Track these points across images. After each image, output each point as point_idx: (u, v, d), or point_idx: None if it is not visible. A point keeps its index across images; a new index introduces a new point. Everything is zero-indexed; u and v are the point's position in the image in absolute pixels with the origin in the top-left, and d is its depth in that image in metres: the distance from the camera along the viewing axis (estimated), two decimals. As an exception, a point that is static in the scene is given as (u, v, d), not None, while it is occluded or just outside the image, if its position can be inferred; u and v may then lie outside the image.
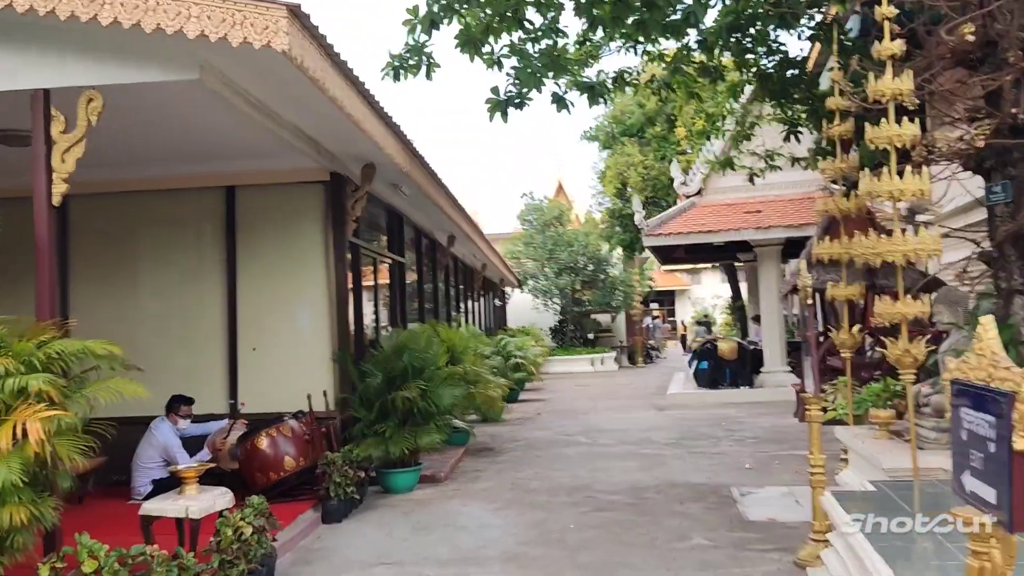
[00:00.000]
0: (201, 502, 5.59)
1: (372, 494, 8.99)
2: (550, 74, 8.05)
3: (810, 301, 6.35)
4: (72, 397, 5.03)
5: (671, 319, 47.88)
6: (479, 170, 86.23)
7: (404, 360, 9.08)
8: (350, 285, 9.85)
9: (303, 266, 9.28)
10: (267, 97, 6.92)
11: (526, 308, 31.37)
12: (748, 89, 10.87)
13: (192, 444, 8.48)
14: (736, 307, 28.07)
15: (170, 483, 8.16)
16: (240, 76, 6.33)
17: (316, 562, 6.50)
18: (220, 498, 5.85)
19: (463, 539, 7.05)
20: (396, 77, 7.93)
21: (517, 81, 7.99)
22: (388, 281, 12.37)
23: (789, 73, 9.98)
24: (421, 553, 6.67)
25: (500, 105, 8.01)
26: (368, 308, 11.18)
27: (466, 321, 20.69)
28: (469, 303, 22.12)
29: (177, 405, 8.47)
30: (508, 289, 32.50)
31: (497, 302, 29.74)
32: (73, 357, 5.11)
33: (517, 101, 8.06)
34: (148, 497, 8.10)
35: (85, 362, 5.48)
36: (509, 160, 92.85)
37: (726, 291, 36.48)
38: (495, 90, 8.00)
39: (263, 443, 7.90)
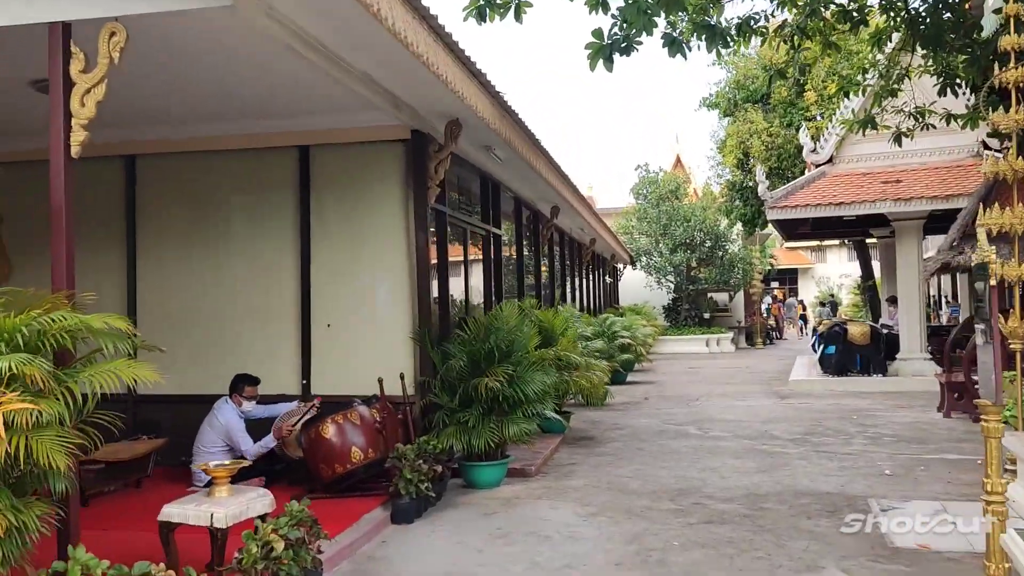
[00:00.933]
0: (230, 507, 4.74)
1: (454, 488, 8.08)
2: (662, 12, 6.86)
3: (994, 281, 4.98)
4: (67, 383, 4.23)
5: (793, 299, 45.38)
6: (591, 145, 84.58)
7: (490, 342, 8.08)
8: (434, 257, 8.92)
9: (381, 235, 8.40)
10: (330, 40, 5.99)
11: (638, 286, 29.99)
12: (895, 37, 9.36)
13: (260, 428, 7.77)
14: (866, 287, 25.94)
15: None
16: (293, 12, 5.42)
17: None
18: (256, 502, 5.00)
19: (545, 554, 6.02)
20: (481, 18, 6.90)
21: (624, 23, 6.82)
22: (480, 254, 11.40)
23: (945, 16, 8.48)
24: (493, 570, 5.67)
25: (603, 51, 6.87)
26: (456, 283, 10.24)
27: (572, 299, 19.60)
28: (575, 280, 20.99)
29: (241, 385, 7.75)
30: (620, 266, 31.18)
31: (607, 279, 28.49)
32: (67, 334, 4.30)
33: (623, 45, 6.91)
34: (210, 485, 7.45)
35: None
36: (623, 133, 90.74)
37: (855, 270, 34.04)
38: (598, 33, 6.86)
39: (328, 431, 7.07)
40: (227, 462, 5.34)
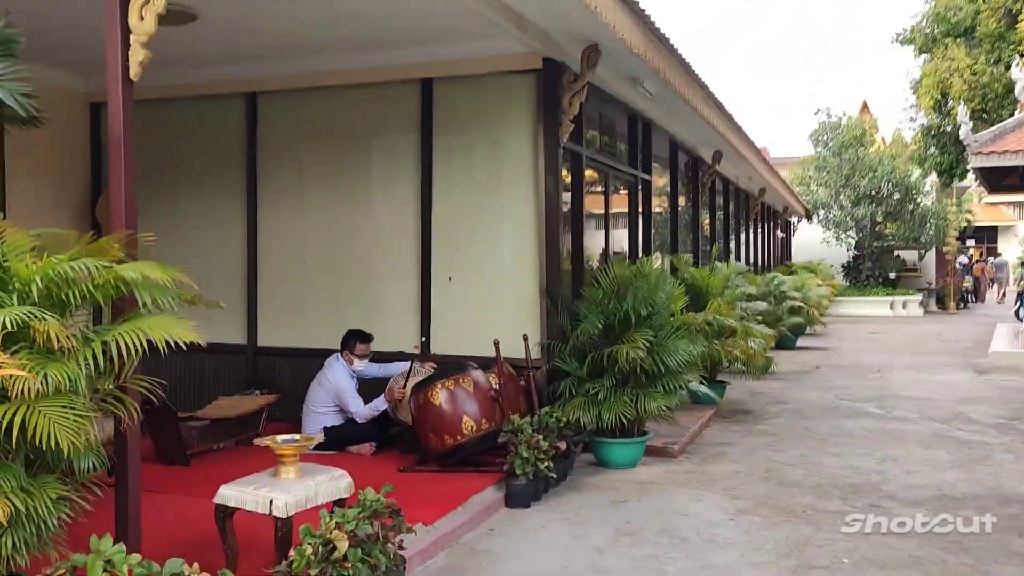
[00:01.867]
0: (294, 492, 4.00)
1: (583, 466, 7.15)
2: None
3: None
4: (92, 343, 3.57)
5: (1004, 258, 40.91)
6: (763, 87, 79.98)
7: (627, 303, 7.02)
8: (568, 204, 7.90)
9: (507, 178, 7.46)
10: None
11: (814, 242, 27.66)
12: None
13: (375, 389, 7.11)
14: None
15: (346, 431, 6.90)
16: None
17: None
18: (328, 485, 4.24)
19: (678, 562, 4.98)
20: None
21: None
22: (626, 202, 10.26)
23: None
24: (612, 580, 4.71)
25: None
26: (594, 235, 9.19)
27: (736, 256, 18.06)
28: (741, 235, 19.35)
29: (352, 342, 7.09)
30: (793, 220, 28.95)
31: (778, 234, 26.44)
32: (96, 286, 3.64)
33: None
34: (320, 447, 6.86)
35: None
36: (802, 78, 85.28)
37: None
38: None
39: (438, 398, 6.27)
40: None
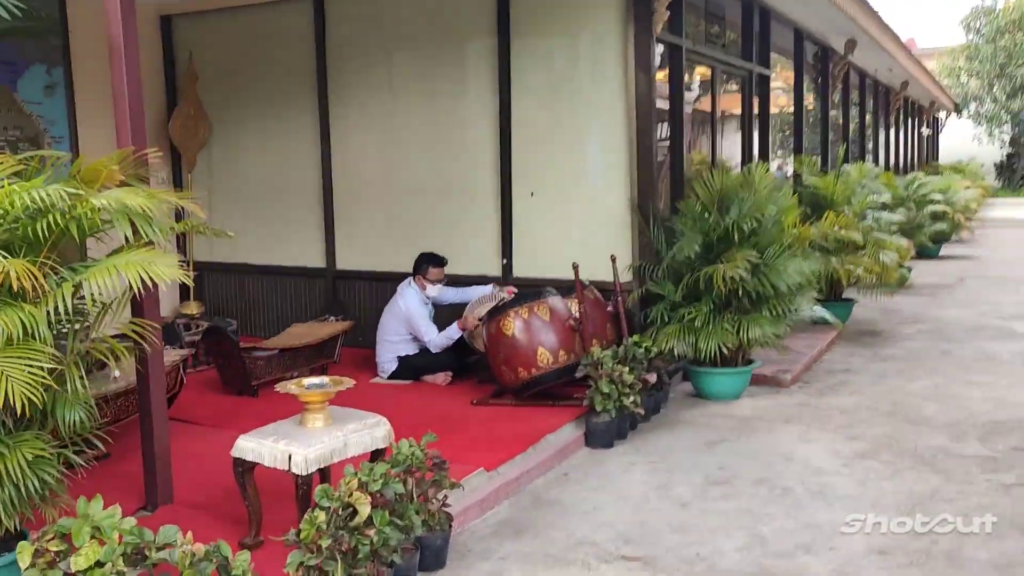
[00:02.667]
0: (316, 445, 3.52)
1: (680, 398, 6.49)
2: None
3: None
4: (63, 284, 3.14)
5: None
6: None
7: (730, 217, 6.18)
8: (666, 106, 7.02)
9: (593, 79, 6.63)
10: None
11: (963, 139, 25.25)
12: None
13: (454, 314, 6.60)
14: None
15: (420, 360, 6.46)
16: None
17: (518, 537, 4.17)
18: (361, 435, 3.75)
19: (775, 521, 4.28)
20: None
21: None
22: (739, 102, 9.19)
23: None
24: (690, 543, 4.05)
25: None
26: (700, 140, 8.26)
27: (874, 158, 16.47)
28: (878, 133, 17.63)
29: (424, 266, 6.57)
30: (941, 115, 26.45)
31: (924, 131, 24.20)
32: (70, 217, 3.18)
33: None
34: (394, 376, 6.47)
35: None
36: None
37: None
38: None
39: (510, 327, 5.69)
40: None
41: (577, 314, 5.76)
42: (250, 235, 8.24)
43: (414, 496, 3.53)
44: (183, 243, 8.41)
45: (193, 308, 8.27)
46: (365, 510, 3.23)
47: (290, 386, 3.68)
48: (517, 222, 7.01)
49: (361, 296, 7.70)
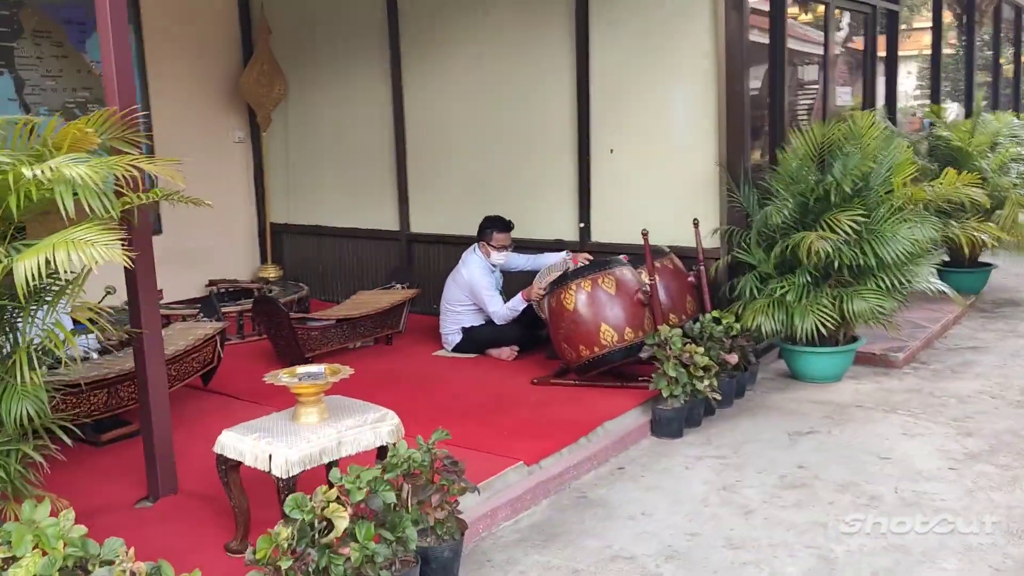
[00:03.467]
0: (302, 445, 3.12)
1: (773, 377, 5.83)
2: None
3: None
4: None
5: None
6: None
7: (832, 177, 5.39)
8: (765, 48, 6.21)
9: (678, 19, 5.91)
10: None
11: None
12: None
13: (526, 283, 6.11)
14: None
15: (486, 333, 6.04)
16: None
17: (546, 546, 3.65)
18: (359, 432, 3.32)
19: (852, 540, 3.61)
20: None
21: None
22: (861, 46, 8.16)
23: None
24: (746, 564, 3.46)
25: None
26: (805, 89, 7.35)
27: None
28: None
29: (489, 231, 6.10)
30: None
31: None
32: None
33: None
34: (458, 349, 6.07)
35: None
36: None
37: None
38: None
39: (571, 300, 5.15)
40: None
41: (648, 285, 5.15)
42: (326, 196, 7.98)
43: (409, 505, 3.10)
44: (261, 205, 8.24)
45: (271, 272, 8.12)
46: (342, 523, 2.82)
47: (281, 376, 3.30)
48: (595, 182, 6.42)
49: (435, 261, 7.31)
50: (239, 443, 3.19)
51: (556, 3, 6.38)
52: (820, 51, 7.13)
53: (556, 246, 6.49)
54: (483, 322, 6.10)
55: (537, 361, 5.90)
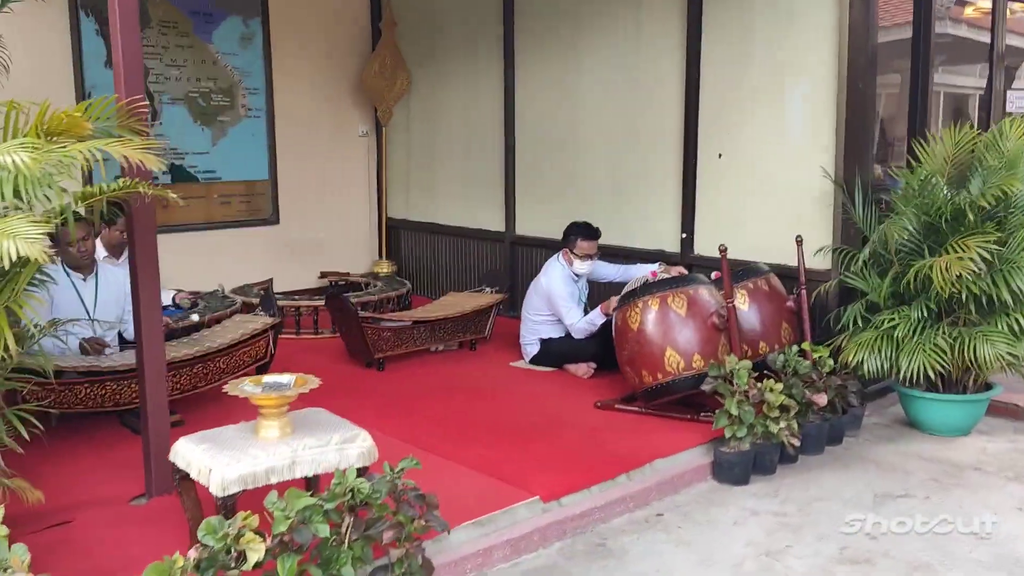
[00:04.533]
0: (246, 462, 2.88)
1: (887, 424, 5.07)
2: None
3: None
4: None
5: None
6: None
7: (968, 195, 4.56)
8: (907, 42, 5.40)
9: (797, 11, 5.23)
10: None
11: None
12: None
13: (609, 296, 5.65)
14: None
15: (565, 346, 5.65)
16: None
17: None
18: (318, 452, 3.03)
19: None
20: None
21: None
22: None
23: None
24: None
25: None
26: (962, 89, 6.35)
27: None
28: None
29: (573, 238, 5.68)
30: None
31: None
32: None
33: None
34: (536, 361, 5.72)
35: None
36: None
37: None
38: None
39: (638, 318, 4.65)
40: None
41: (723, 309, 4.56)
42: (440, 194, 7.82)
43: (347, 540, 2.79)
44: (380, 199, 8.20)
45: (384, 267, 8.06)
46: (255, 555, 2.56)
47: (244, 385, 3.08)
48: (701, 189, 5.84)
49: (537, 265, 6.91)
50: (189, 453, 3.00)
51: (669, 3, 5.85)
52: (985, 42, 6.13)
53: (656, 257, 5.97)
54: (562, 334, 5.69)
55: (614, 381, 5.40)
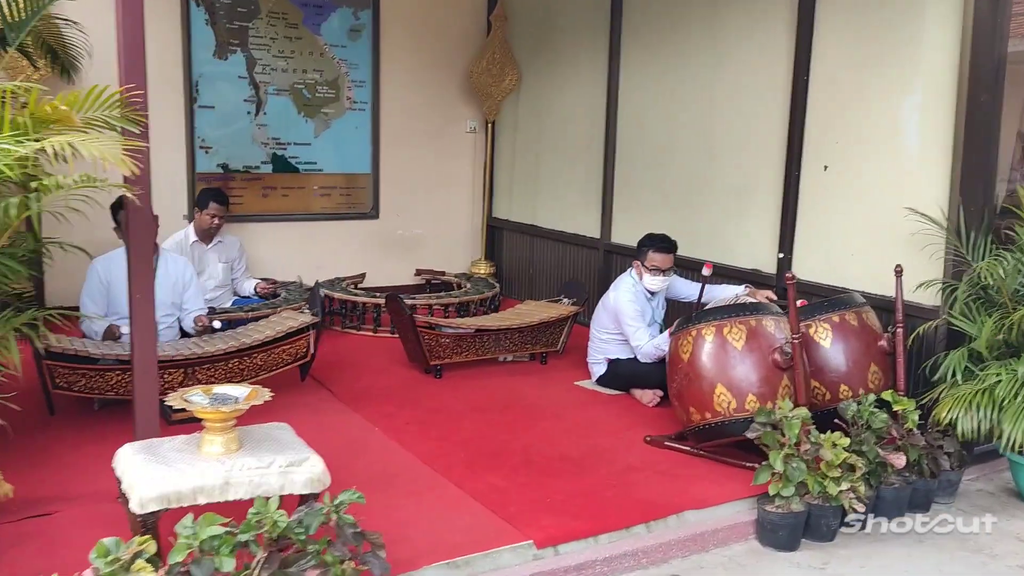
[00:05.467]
0: (171, 480, 2.68)
1: (989, 493, 4.30)
2: None
3: None
4: None
5: None
6: None
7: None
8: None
9: (913, 12, 4.52)
10: None
11: None
12: None
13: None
14: None
15: (632, 368, 5.24)
16: None
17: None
18: (257, 472, 2.78)
19: None
20: None
21: None
22: None
23: None
24: None
25: None
26: None
27: None
28: None
29: (645, 250, 5.21)
30: None
31: None
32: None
33: None
34: (602, 382, 5.33)
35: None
36: None
37: None
38: None
39: (689, 348, 4.13)
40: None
41: (788, 344, 3.97)
42: (542, 195, 7.50)
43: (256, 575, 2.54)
44: (487, 200, 7.95)
45: (482, 267, 7.84)
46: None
47: (191, 395, 2.89)
48: (803, 205, 5.21)
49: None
50: (125, 461, 2.85)
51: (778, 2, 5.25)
52: None
53: (750, 277, 5.40)
54: (631, 355, 5.22)
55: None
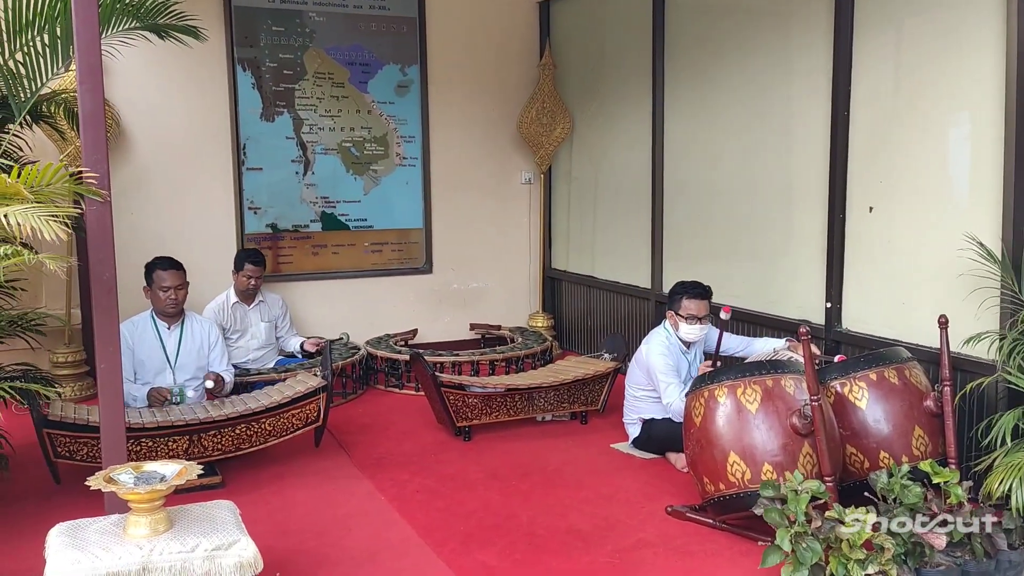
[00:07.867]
0: (86, 565, 2.53)
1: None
2: None
3: None
4: None
5: None
6: None
7: None
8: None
9: (955, 38, 4.08)
10: None
11: None
12: None
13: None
14: None
15: (667, 429, 4.94)
16: None
17: None
18: (172, 557, 2.62)
19: None
20: None
21: None
22: None
23: None
24: None
25: None
26: None
27: None
28: None
29: (677, 298, 4.88)
30: None
31: None
32: None
33: None
34: (637, 443, 5.01)
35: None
36: None
37: None
38: None
39: (701, 411, 3.76)
40: (176, 472, 2.86)
41: (807, 406, 3.56)
42: (598, 245, 7.24)
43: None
44: (544, 252, 7.74)
45: (540, 320, 7.61)
46: None
47: (118, 474, 2.77)
48: (850, 250, 4.77)
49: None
50: (50, 544, 2.74)
51: (813, 21, 4.87)
52: None
53: (798, 327, 4.96)
54: (666, 415, 4.86)
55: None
